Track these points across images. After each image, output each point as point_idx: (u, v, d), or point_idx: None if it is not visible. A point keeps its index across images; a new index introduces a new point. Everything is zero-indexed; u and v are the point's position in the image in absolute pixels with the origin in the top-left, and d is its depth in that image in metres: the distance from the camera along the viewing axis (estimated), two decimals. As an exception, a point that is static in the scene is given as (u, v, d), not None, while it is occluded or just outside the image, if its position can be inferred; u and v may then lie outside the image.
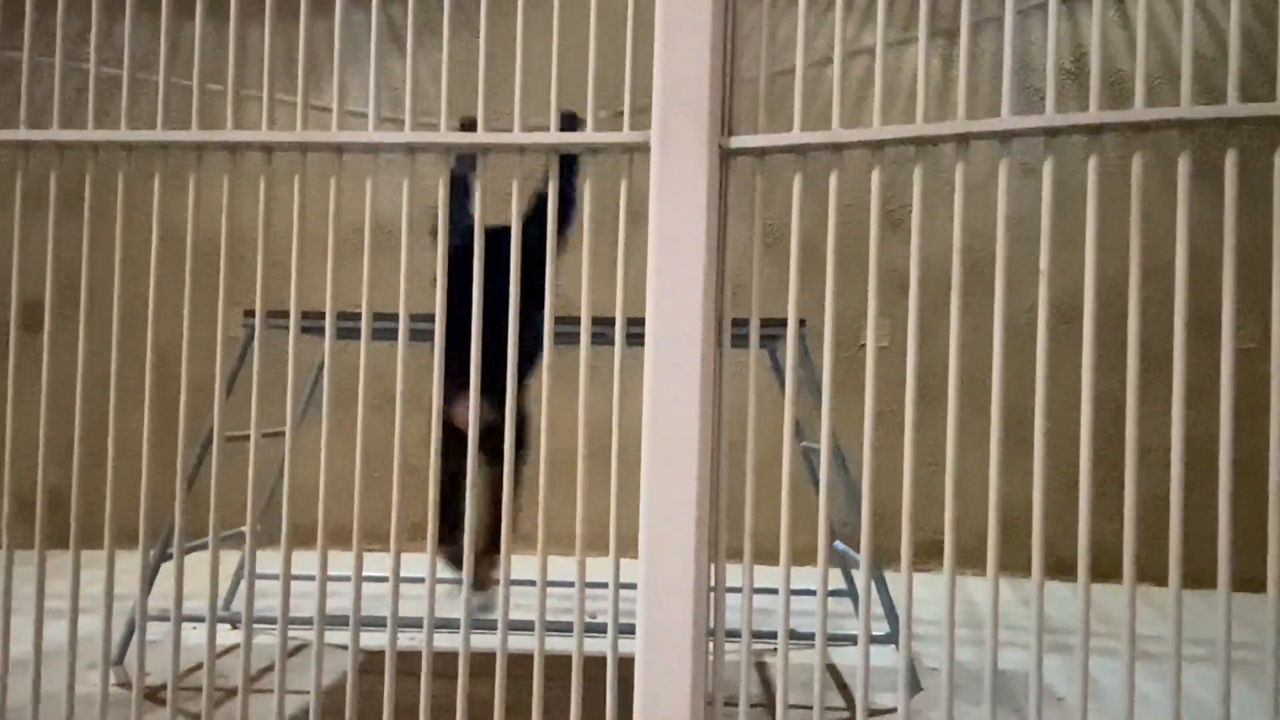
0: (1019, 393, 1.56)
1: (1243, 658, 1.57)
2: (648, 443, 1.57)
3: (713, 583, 1.59)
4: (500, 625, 1.71)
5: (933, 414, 1.63)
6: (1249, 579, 1.55)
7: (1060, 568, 1.61)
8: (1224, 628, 1.42)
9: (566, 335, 1.76)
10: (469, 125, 1.86)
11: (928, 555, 1.65)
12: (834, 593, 2.51)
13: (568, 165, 1.95)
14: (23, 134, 1.82)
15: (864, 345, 1.61)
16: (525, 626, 1.76)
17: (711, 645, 1.59)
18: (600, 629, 1.70)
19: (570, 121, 1.84)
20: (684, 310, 1.56)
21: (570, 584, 1.71)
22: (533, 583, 1.67)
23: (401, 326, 1.75)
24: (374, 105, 1.75)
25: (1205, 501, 1.44)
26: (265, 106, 1.77)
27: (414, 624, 1.78)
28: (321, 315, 1.79)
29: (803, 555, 1.66)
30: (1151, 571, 1.54)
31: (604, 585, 1.69)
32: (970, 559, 1.59)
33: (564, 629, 1.79)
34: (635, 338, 1.63)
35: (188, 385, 1.77)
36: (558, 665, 1.67)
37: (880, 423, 1.59)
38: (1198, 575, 1.59)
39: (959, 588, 1.57)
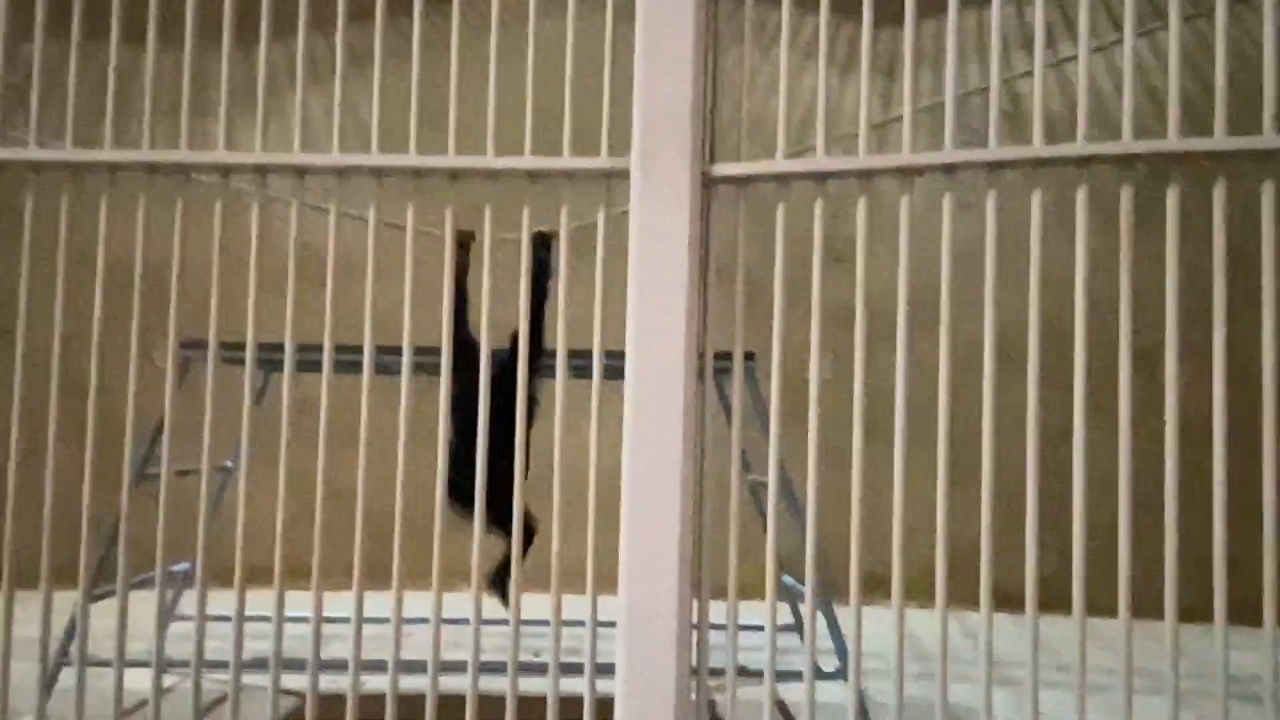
0: (962, 426, 1.55)
1: (1191, 687, 1.58)
2: (628, 475, 1.52)
3: (695, 619, 1.54)
4: (472, 667, 1.63)
5: (877, 447, 1.61)
6: (1195, 610, 1.56)
7: (1004, 600, 1.60)
8: (1171, 658, 1.42)
9: (547, 369, 1.73)
10: (466, 240, 1.80)
11: (874, 589, 1.64)
12: (783, 628, 2.48)
13: (544, 244, 1.90)
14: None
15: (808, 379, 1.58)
16: (458, 668, 1.68)
17: (695, 684, 1.55)
18: (576, 669, 1.63)
19: (544, 241, 1.81)
20: (666, 340, 1.51)
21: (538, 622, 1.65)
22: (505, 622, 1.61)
23: (367, 360, 1.68)
24: (337, 124, 1.66)
25: (1151, 534, 1.46)
26: (222, 125, 1.68)
27: (339, 665, 1.70)
28: (243, 346, 1.70)
29: (750, 590, 1.63)
30: (1099, 604, 1.55)
31: (580, 624, 1.63)
32: (914, 591, 1.57)
33: (503, 670, 1.72)
34: (612, 371, 1.59)
35: (107, 421, 1.66)
36: (526, 708, 1.60)
37: (825, 456, 1.56)
38: (1142, 607, 1.59)
39: (884, 621, 1.56)
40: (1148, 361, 1.47)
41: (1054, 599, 1.52)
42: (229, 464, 2.49)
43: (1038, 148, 1.48)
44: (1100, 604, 1.49)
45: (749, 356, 1.62)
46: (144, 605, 1.73)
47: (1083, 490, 1.46)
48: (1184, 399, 1.45)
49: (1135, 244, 1.47)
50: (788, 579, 2.66)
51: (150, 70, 1.70)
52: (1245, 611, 1.47)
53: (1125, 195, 1.45)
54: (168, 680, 2.06)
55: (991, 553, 1.51)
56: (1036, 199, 1.49)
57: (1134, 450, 1.46)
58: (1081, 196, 1.47)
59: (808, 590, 1.59)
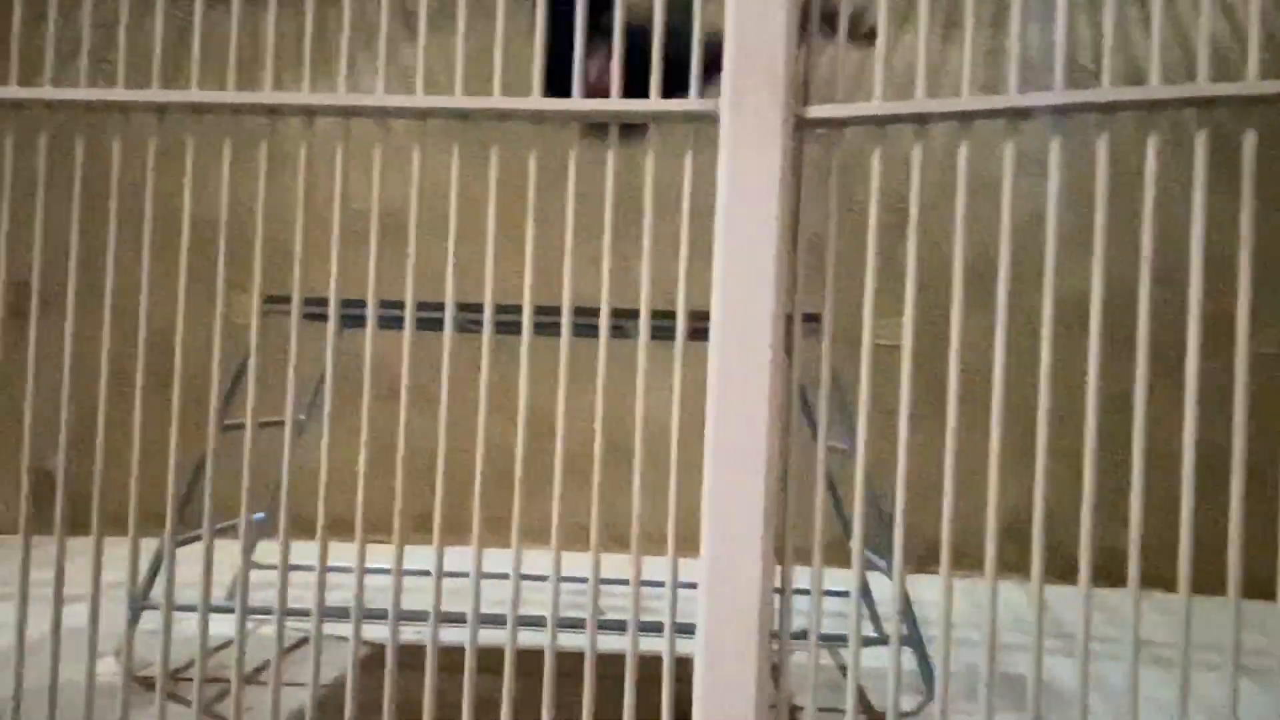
0: (1030, 394, 1.48)
1: (1253, 664, 1.51)
2: (712, 438, 1.48)
3: (779, 584, 1.51)
4: (509, 620, 1.63)
5: (971, 413, 1.55)
6: (1260, 585, 1.49)
7: (1072, 571, 1.55)
8: (1234, 632, 1.35)
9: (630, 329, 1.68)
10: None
11: (936, 558, 1.59)
12: (840, 593, 2.45)
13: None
14: (10, 91, 1.71)
15: (882, 344, 1.52)
16: (537, 622, 1.69)
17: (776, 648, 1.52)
18: (657, 628, 1.63)
19: None
20: (754, 296, 1.46)
21: (615, 581, 1.63)
22: (585, 579, 1.60)
23: (408, 314, 1.66)
24: (383, 66, 1.64)
25: (1218, 507, 1.39)
26: (270, 68, 1.66)
27: (419, 617, 1.71)
28: (325, 302, 1.69)
29: (829, 556, 1.59)
30: (1163, 577, 1.49)
31: (660, 584, 1.61)
32: (981, 562, 1.52)
33: (615, 627, 1.72)
34: (661, 331, 1.55)
35: (189, 372, 1.68)
36: (604, 664, 1.59)
37: (893, 422, 1.51)
38: (1209, 581, 1.54)
39: (974, 592, 1.50)
40: (1229, 332, 1.39)
41: (1119, 570, 1.46)
42: (302, 417, 2.53)
43: (1155, 88, 1.37)
44: (1171, 578, 1.43)
45: (813, 318, 1.56)
46: (221, 553, 1.77)
47: (1141, 460, 1.39)
48: (1257, 372, 1.36)
49: (1212, 207, 1.37)
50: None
51: (198, 11, 1.68)
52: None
53: (1199, 141, 1.34)
54: (247, 625, 2.11)
55: (1056, 524, 1.45)
56: (1152, 144, 1.39)
57: (1212, 423, 1.38)
58: (1201, 142, 1.37)
59: (895, 558, 1.54)
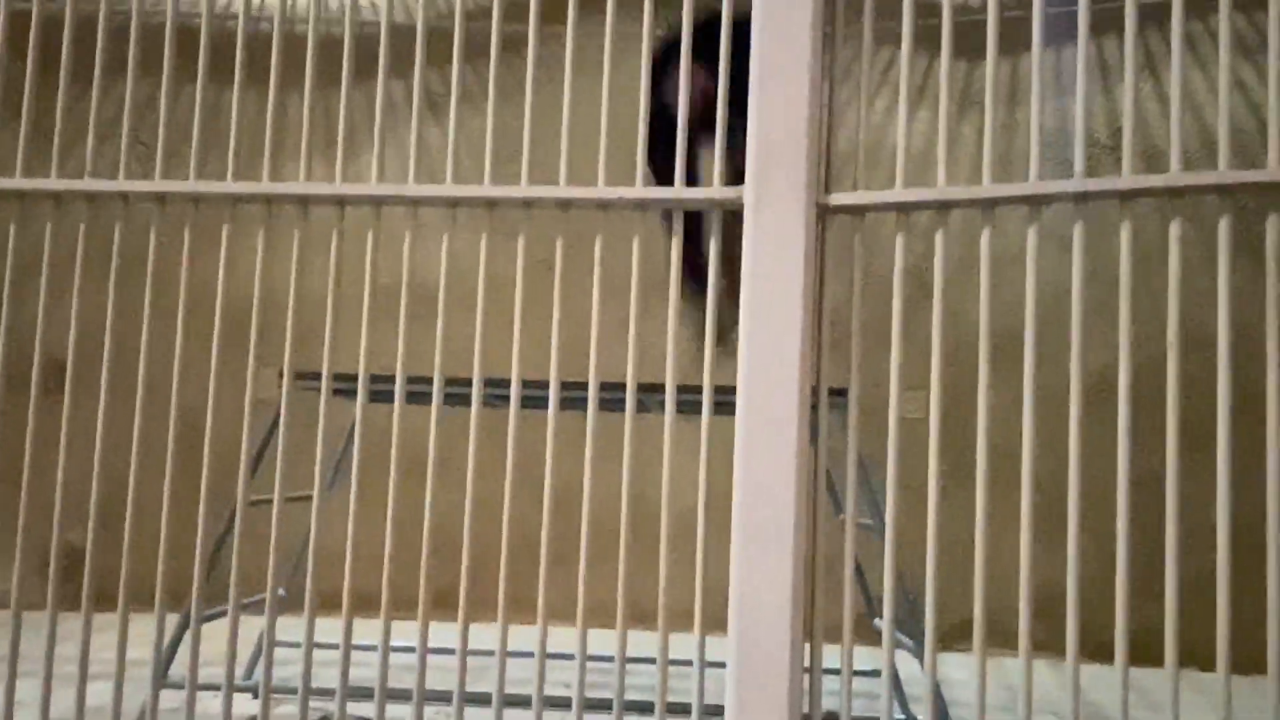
0: (1060, 470, 1.48)
1: None
2: (739, 514, 1.48)
3: (808, 663, 1.49)
4: (535, 701, 1.61)
5: (998, 490, 1.55)
6: None
7: (1105, 651, 1.52)
8: (1274, 716, 1.32)
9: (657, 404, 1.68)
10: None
11: (964, 636, 1.57)
12: (869, 673, 2.41)
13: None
14: (52, 183, 1.77)
15: (906, 417, 1.52)
16: (563, 703, 1.66)
17: None
18: (684, 710, 1.60)
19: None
20: (780, 375, 1.47)
21: (641, 660, 1.61)
22: (610, 657, 1.58)
23: (436, 389, 1.68)
24: (414, 157, 1.69)
25: (1254, 584, 1.37)
26: (303, 158, 1.72)
27: (443, 698, 1.69)
28: (354, 377, 1.72)
29: (832, 634, 1.58)
30: (1200, 656, 1.46)
31: (687, 663, 1.59)
32: (1011, 640, 1.50)
33: (641, 708, 1.70)
34: (686, 405, 1.55)
35: (216, 449, 1.70)
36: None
37: (919, 497, 1.50)
38: (1247, 661, 1.50)
39: (1003, 671, 1.48)
40: (1259, 405, 1.39)
41: (1160, 652, 1.44)
42: (328, 491, 2.54)
43: (1176, 175, 1.40)
44: (1208, 658, 1.40)
45: (839, 393, 1.57)
46: (241, 630, 1.76)
47: (1176, 537, 1.37)
48: None
49: (1238, 282, 1.38)
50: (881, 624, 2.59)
51: (235, 108, 1.74)
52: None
53: (1223, 225, 1.35)
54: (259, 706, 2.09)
55: (1087, 602, 1.43)
56: (1175, 230, 1.40)
57: (1247, 499, 1.37)
58: (1224, 226, 1.39)
59: (927, 639, 1.52)
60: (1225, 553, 1.35)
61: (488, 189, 1.64)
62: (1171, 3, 1.45)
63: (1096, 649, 1.53)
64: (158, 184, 1.73)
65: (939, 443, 1.50)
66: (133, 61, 1.79)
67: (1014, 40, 1.59)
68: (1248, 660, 1.45)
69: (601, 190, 1.61)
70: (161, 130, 1.77)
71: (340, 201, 1.69)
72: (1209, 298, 1.39)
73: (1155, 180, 1.41)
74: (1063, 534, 1.44)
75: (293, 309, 1.70)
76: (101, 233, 1.76)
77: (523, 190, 1.64)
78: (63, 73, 1.82)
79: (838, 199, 1.52)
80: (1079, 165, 1.46)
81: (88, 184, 1.75)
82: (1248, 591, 1.39)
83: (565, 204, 1.64)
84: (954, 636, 3.26)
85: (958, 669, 3.17)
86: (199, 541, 1.74)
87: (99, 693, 1.81)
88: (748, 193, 1.51)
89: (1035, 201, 1.47)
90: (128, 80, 1.80)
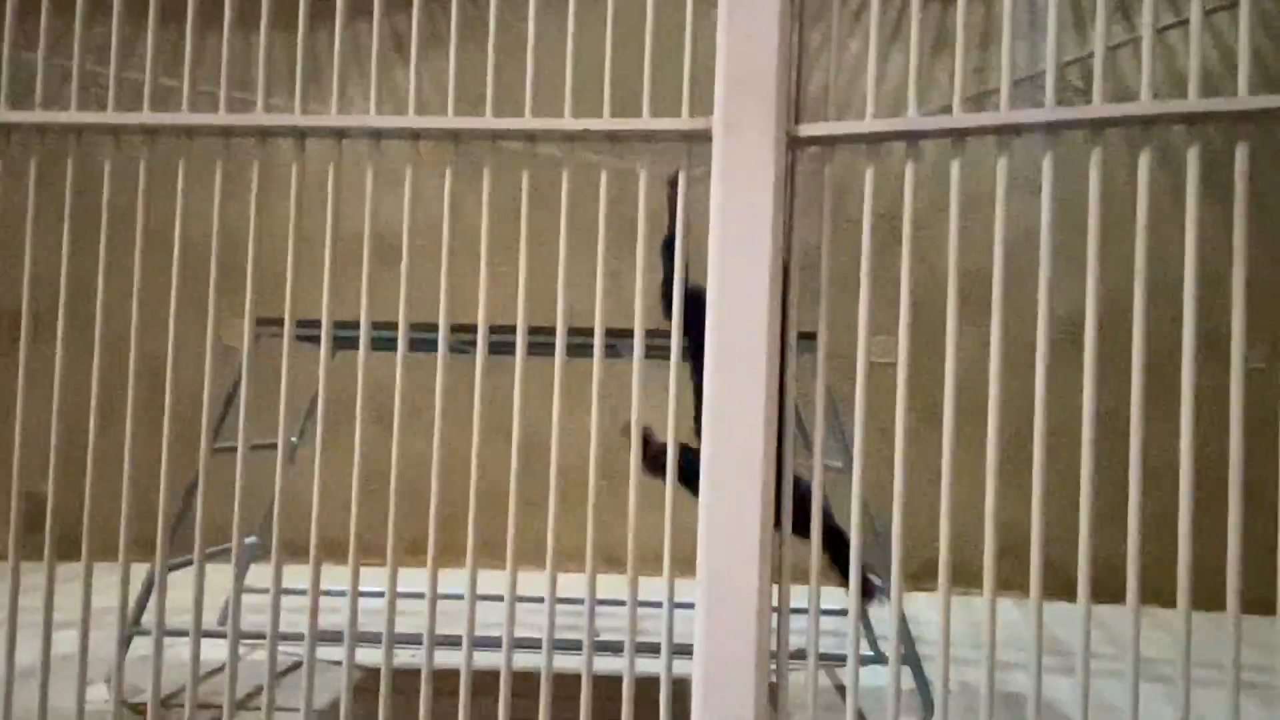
0: (1025, 411, 1.49)
1: (1253, 680, 1.51)
2: (708, 456, 1.48)
3: (775, 603, 1.50)
4: (505, 642, 1.62)
5: (966, 431, 1.55)
6: (1258, 601, 1.49)
7: (1070, 588, 1.55)
8: (1234, 649, 1.35)
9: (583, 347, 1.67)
10: (674, 181, 1.66)
11: (932, 575, 1.59)
12: (837, 612, 2.44)
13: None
14: (1, 115, 1.70)
15: (876, 362, 1.52)
16: (532, 644, 1.67)
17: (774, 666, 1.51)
18: (653, 649, 1.61)
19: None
20: (749, 314, 1.46)
21: (611, 602, 1.62)
22: (579, 600, 1.59)
23: (401, 335, 1.65)
24: (375, 81, 1.64)
25: (1214, 523, 1.39)
26: (260, 88, 1.66)
27: (413, 641, 1.69)
28: (318, 324, 1.69)
29: (825, 574, 1.59)
30: (1162, 592, 1.49)
31: (657, 604, 1.60)
32: (978, 579, 1.52)
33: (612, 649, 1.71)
34: (655, 350, 1.54)
35: (180, 397, 1.67)
36: (603, 687, 1.59)
37: (887, 440, 1.50)
38: (1207, 597, 1.54)
39: (971, 609, 1.51)
40: (1222, 349, 1.40)
41: (1117, 587, 1.46)
42: (294, 439, 2.51)
43: (1146, 104, 1.38)
44: (1170, 594, 1.43)
45: (809, 336, 1.56)
46: (211, 577, 1.75)
47: (1138, 477, 1.39)
48: (1249, 388, 1.37)
49: (1205, 224, 1.38)
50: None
51: (189, 34, 1.68)
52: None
53: (1191, 156, 1.35)
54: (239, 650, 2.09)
55: (1055, 541, 1.45)
56: (1144, 161, 1.40)
57: (1208, 439, 1.39)
58: (1193, 157, 1.38)
59: (893, 577, 1.53)
60: (1188, 491, 1.37)
61: (452, 120, 1.60)
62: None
63: (1060, 586, 1.55)
64: (110, 115, 1.67)
65: (906, 385, 1.49)
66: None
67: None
68: (1208, 596, 1.48)
69: (568, 121, 1.58)
70: (114, 61, 1.71)
71: (300, 133, 1.65)
72: (1176, 245, 1.39)
73: (1126, 108, 1.40)
74: (1028, 475, 1.45)
75: (253, 249, 1.66)
76: (57, 170, 1.70)
77: (488, 121, 1.60)
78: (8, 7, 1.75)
79: (807, 129, 1.50)
80: (1050, 95, 1.45)
81: (38, 115, 1.69)
82: (1209, 530, 1.41)
83: (531, 136, 1.60)
84: (921, 576, 3.31)
85: (926, 609, 3.23)
86: (161, 489, 1.71)
87: (67, 640, 1.80)
88: (716, 121, 1.49)
89: (1006, 131, 1.46)
90: (75, 11, 1.73)
